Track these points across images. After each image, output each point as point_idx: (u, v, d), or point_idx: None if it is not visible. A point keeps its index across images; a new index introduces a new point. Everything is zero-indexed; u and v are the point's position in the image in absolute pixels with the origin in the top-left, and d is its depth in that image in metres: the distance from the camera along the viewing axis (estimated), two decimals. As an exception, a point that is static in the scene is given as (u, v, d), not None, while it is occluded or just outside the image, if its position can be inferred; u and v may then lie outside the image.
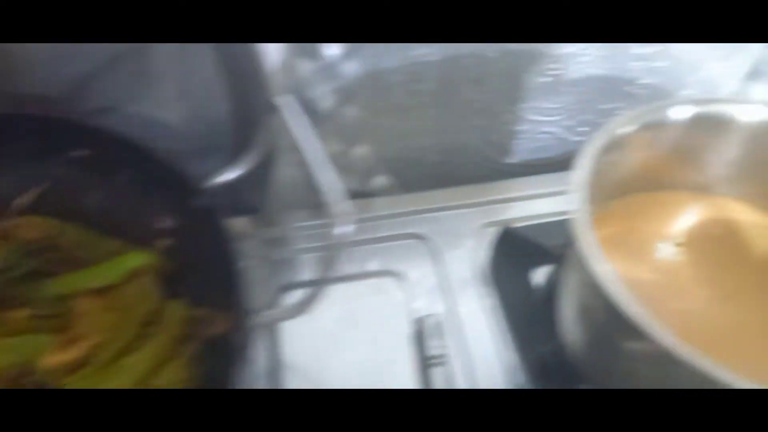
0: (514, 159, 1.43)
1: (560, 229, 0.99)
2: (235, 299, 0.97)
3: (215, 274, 1.01)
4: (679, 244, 1.10)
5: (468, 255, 1.26)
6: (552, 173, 1.40)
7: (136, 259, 1.07)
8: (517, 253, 1.25)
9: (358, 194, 1.26)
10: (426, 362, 1.14)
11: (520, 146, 1.41)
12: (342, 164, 1.00)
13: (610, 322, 0.89)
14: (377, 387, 1.10)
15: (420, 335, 1.17)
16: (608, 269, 0.85)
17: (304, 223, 1.28)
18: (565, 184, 0.93)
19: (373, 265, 1.26)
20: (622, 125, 1.02)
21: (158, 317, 1.02)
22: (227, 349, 0.95)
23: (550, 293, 1.14)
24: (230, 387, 0.89)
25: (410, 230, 1.32)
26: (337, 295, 1.07)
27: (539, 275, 1.23)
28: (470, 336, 1.17)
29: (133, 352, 0.98)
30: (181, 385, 0.96)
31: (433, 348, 1.14)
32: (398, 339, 1.17)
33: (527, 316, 1.18)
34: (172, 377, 0.97)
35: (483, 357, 1.15)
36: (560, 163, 1.16)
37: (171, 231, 1.09)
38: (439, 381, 1.11)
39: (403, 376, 1.13)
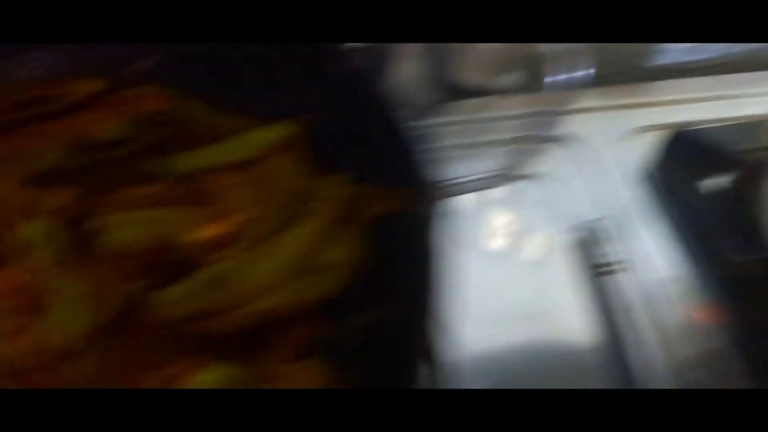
0: (670, 60, 1.28)
1: (735, 134, 0.87)
2: (406, 174, 0.84)
3: (381, 147, 0.88)
4: None
5: (633, 158, 1.12)
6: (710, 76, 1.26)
7: (276, 132, 0.93)
8: (686, 158, 1.11)
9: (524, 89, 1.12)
10: (595, 271, 1.00)
11: (678, 47, 1.27)
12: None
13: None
14: (542, 296, 0.97)
15: (587, 242, 1.03)
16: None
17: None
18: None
19: (533, 167, 1.12)
20: None
21: (313, 194, 0.89)
22: (401, 226, 0.83)
23: (737, 199, 1.00)
24: (405, 265, 0.77)
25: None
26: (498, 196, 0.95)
27: (715, 181, 1.09)
28: (639, 244, 1.04)
29: (288, 230, 0.85)
30: (346, 266, 0.84)
31: (603, 256, 1.01)
32: (562, 245, 1.04)
33: (707, 223, 1.05)
34: (335, 257, 0.84)
35: (653, 267, 1.02)
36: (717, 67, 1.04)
37: (315, 102, 0.96)
38: (611, 291, 0.98)
39: (568, 288, 1.00)
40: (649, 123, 1.20)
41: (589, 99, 1.19)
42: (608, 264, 0.99)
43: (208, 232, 0.84)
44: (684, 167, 1.10)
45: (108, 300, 0.84)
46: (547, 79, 0.95)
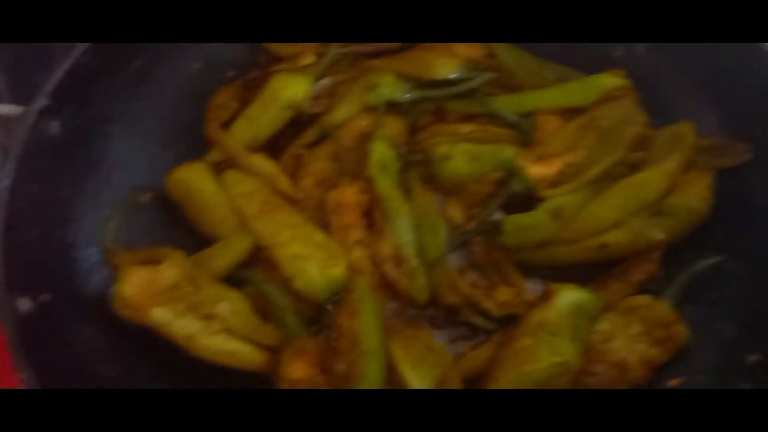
0: None
1: None
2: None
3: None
4: None
5: None
6: None
7: (610, 81, 0.94)
8: None
9: None
10: None
11: None
12: None
13: None
14: None
15: None
16: None
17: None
18: None
19: None
20: None
21: (652, 141, 0.91)
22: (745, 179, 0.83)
23: None
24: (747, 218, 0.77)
25: None
26: None
27: None
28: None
29: (633, 173, 0.84)
30: (692, 212, 0.80)
31: None
32: None
33: None
34: (683, 202, 0.80)
35: None
36: None
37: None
38: None
39: None
40: None
41: None
42: None
43: (541, 170, 0.87)
44: None
45: (452, 223, 0.90)
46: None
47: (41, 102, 0.76)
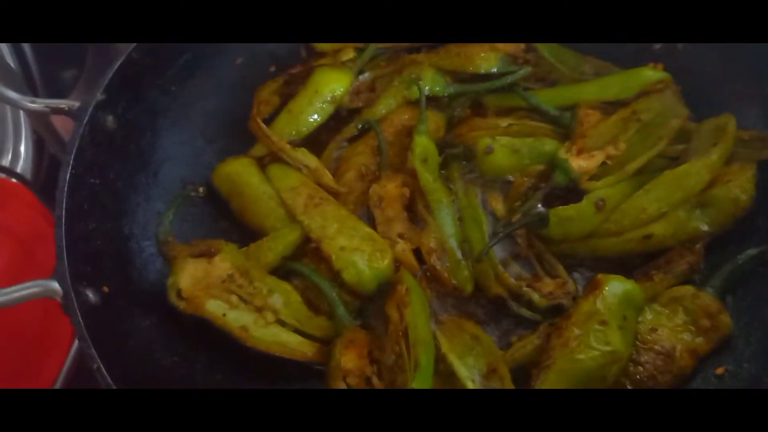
0: None
1: None
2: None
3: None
4: None
5: None
6: None
7: (650, 74, 0.95)
8: None
9: None
10: None
11: None
12: None
13: None
14: None
15: None
16: None
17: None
18: None
19: None
20: None
21: (690, 134, 0.91)
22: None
23: None
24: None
25: None
26: None
27: None
28: None
29: (676, 165, 0.83)
30: (735, 204, 0.81)
31: None
32: None
33: None
34: (725, 194, 0.81)
35: None
36: None
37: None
38: None
39: None
40: None
41: None
42: None
43: (582, 163, 0.88)
44: None
45: (494, 215, 0.91)
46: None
47: (98, 96, 0.77)
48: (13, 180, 1.03)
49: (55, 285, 0.68)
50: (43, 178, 1.09)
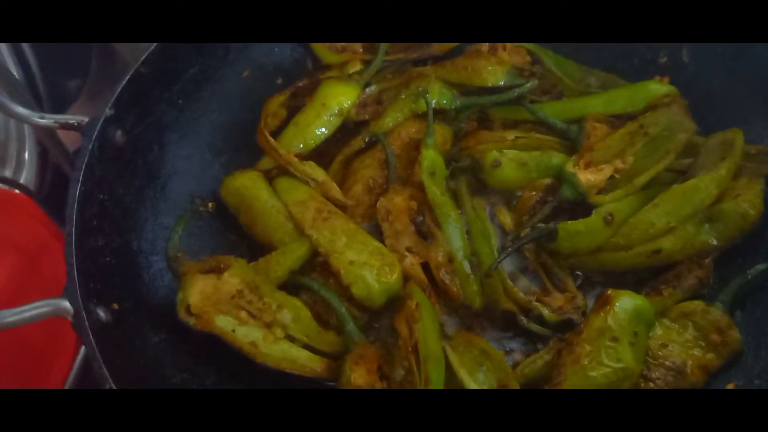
0: None
1: None
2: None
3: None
4: None
5: None
6: None
7: (657, 88, 0.94)
8: None
9: None
10: None
11: None
12: None
13: None
14: None
15: None
16: None
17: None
18: None
19: None
20: None
21: (702, 148, 0.91)
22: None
23: None
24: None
25: None
26: None
27: None
28: None
29: (684, 180, 0.82)
30: (743, 218, 0.81)
31: None
32: None
33: None
34: (734, 208, 0.81)
35: None
36: None
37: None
38: None
39: None
40: None
41: None
42: None
43: (590, 177, 0.88)
44: None
45: (502, 229, 0.91)
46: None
47: (107, 112, 0.76)
48: (17, 191, 1.02)
49: (66, 304, 0.67)
50: (47, 189, 1.08)
